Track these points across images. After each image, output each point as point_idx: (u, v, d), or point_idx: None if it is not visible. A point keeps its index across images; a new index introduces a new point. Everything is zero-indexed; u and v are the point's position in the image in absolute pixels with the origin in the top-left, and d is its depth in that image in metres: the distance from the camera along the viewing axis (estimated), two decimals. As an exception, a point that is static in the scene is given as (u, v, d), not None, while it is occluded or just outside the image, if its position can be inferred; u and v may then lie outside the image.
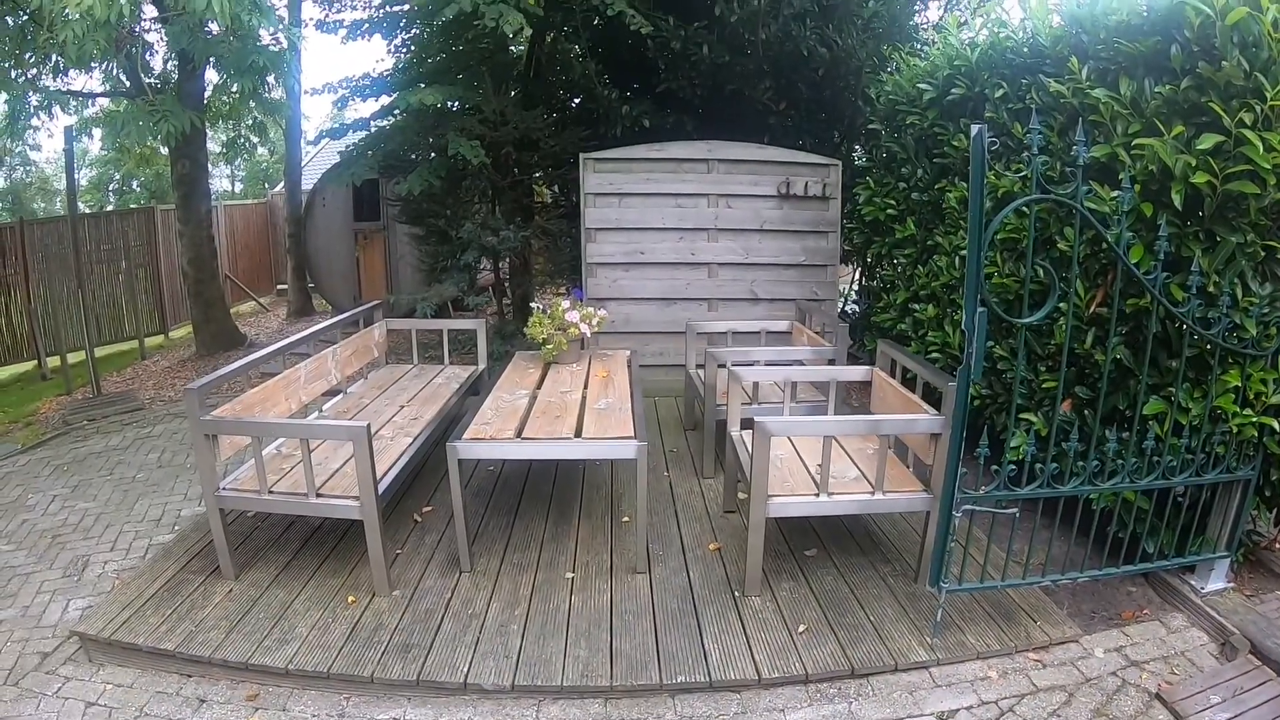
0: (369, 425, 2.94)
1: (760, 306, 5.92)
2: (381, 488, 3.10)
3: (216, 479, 3.18)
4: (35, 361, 8.26)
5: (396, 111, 6.68)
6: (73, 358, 8.10)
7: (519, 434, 3.26)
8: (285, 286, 11.93)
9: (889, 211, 5.03)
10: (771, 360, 4.39)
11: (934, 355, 4.29)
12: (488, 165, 6.14)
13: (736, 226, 5.84)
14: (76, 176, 20.80)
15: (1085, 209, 2.53)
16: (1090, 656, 2.78)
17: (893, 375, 3.61)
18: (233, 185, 23.95)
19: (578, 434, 3.28)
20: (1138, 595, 3.18)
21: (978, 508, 2.74)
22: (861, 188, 5.42)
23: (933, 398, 3.11)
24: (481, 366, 4.99)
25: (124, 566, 3.64)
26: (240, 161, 20.02)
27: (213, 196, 9.16)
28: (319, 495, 3.10)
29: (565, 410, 3.59)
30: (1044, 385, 3.33)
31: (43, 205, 20.35)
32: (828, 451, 2.98)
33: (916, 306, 4.56)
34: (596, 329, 4.51)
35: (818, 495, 3.03)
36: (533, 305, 4.61)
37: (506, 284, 7.17)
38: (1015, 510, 2.72)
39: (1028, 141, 2.43)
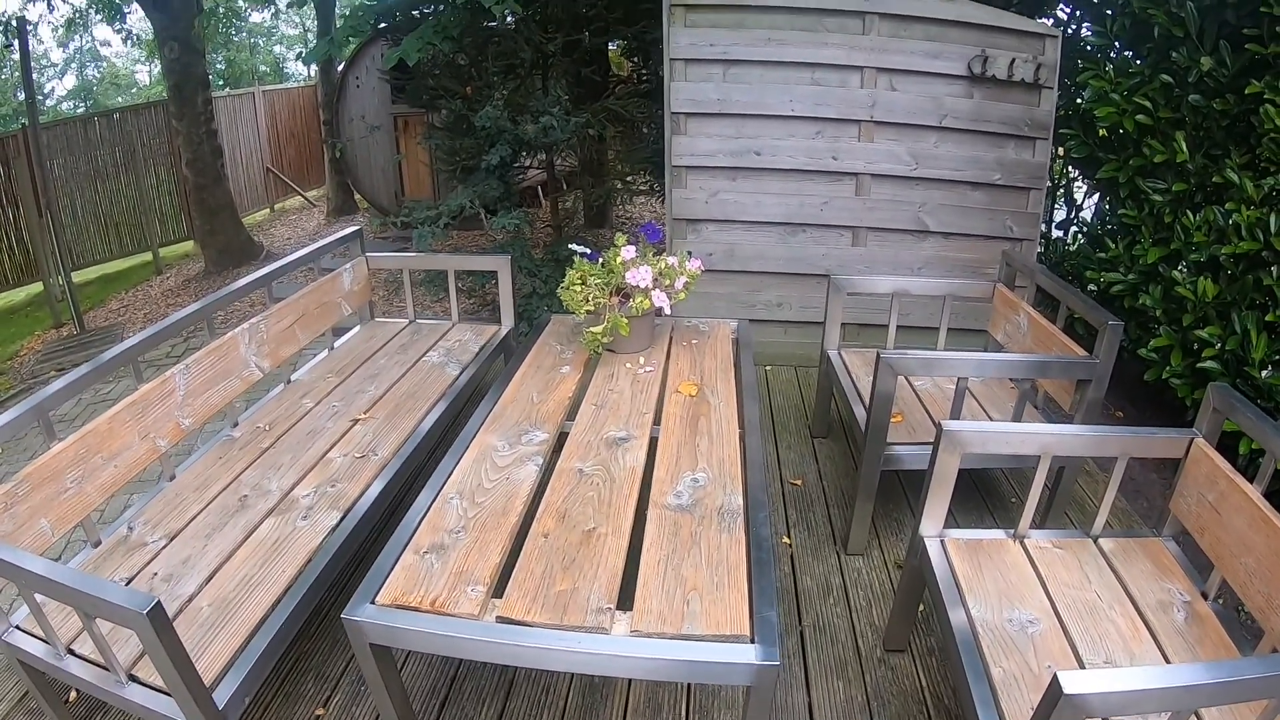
0: (158, 601, 1.34)
1: (929, 243, 3.90)
2: (234, 679, 1.56)
3: (4, 616, 1.78)
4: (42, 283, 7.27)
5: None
6: (90, 273, 7.03)
7: (494, 592, 1.57)
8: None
9: (1140, 119, 3.26)
10: (985, 374, 2.48)
11: (1206, 364, 2.80)
12: (527, 20, 4.16)
13: (903, 120, 3.74)
14: (148, 69, 19.98)
15: None
16: None
17: (1219, 446, 1.66)
18: (308, 71, 22.53)
19: (622, 605, 1.53)
20: None
21: None
22: (1092, 75, 3.47)
23: None
24: (505, 328, 3.32)
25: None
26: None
27: (258, 80, 7.71)
28: (132, 679, 1.61)
29: (604, 512, 1.80)
30: None
31: (121, 100, 19.57)
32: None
33: (1178, 274, 3.03)
34: (682, 295, 2.70)
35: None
36: (574, 250, 2.80)
37: (564, 189, 5.27)
38: None
39: None
